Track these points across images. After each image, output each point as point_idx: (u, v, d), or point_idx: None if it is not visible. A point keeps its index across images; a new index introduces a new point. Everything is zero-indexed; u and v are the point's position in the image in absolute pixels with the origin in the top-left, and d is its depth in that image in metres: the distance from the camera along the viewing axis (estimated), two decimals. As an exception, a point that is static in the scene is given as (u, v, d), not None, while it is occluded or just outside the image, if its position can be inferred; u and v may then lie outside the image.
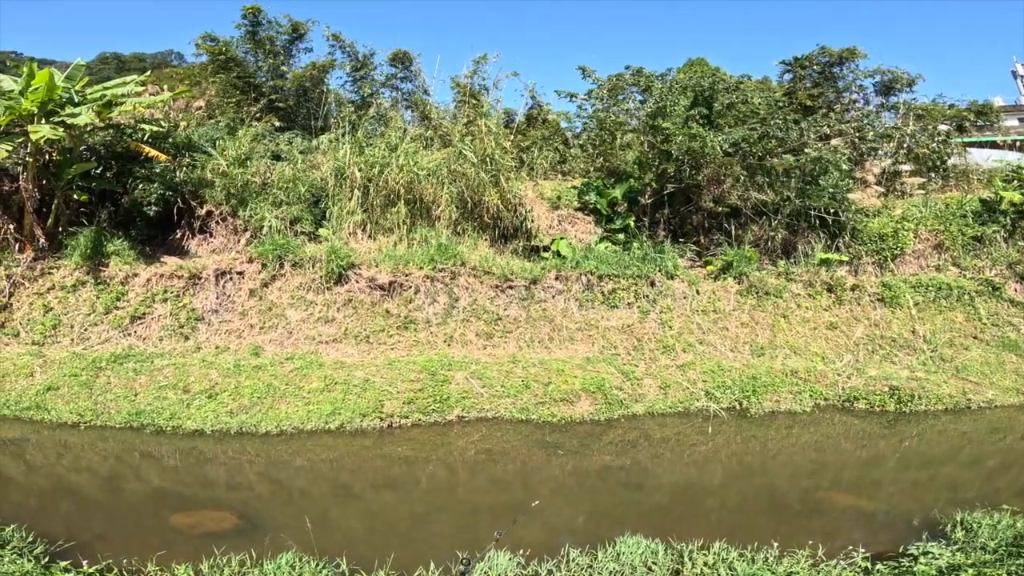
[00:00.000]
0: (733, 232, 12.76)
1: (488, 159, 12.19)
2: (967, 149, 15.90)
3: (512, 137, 14.12)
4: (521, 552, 4.65)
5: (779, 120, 12.24)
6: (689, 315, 11.28)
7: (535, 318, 10.96)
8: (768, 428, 8.78)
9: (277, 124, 13.96)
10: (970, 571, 2.92)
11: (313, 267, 10.78)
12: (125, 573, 4.61)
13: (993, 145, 18.18)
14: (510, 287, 11.18)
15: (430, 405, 8.81)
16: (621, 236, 12.60)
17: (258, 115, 13.98)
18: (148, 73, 13.65)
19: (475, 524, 5.85)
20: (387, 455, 7.73)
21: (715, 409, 9.17)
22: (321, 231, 11.70)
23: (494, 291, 11.12)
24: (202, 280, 10.74)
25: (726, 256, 12.08)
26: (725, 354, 10.67)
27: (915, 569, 3.53)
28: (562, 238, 12.45)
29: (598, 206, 13.11)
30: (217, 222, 11.91)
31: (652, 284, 11.52)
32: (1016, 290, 11.99)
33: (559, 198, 13.49)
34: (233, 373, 9.30)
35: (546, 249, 12.30)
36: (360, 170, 11.84)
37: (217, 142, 12.41)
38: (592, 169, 14.46)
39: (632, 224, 12.80)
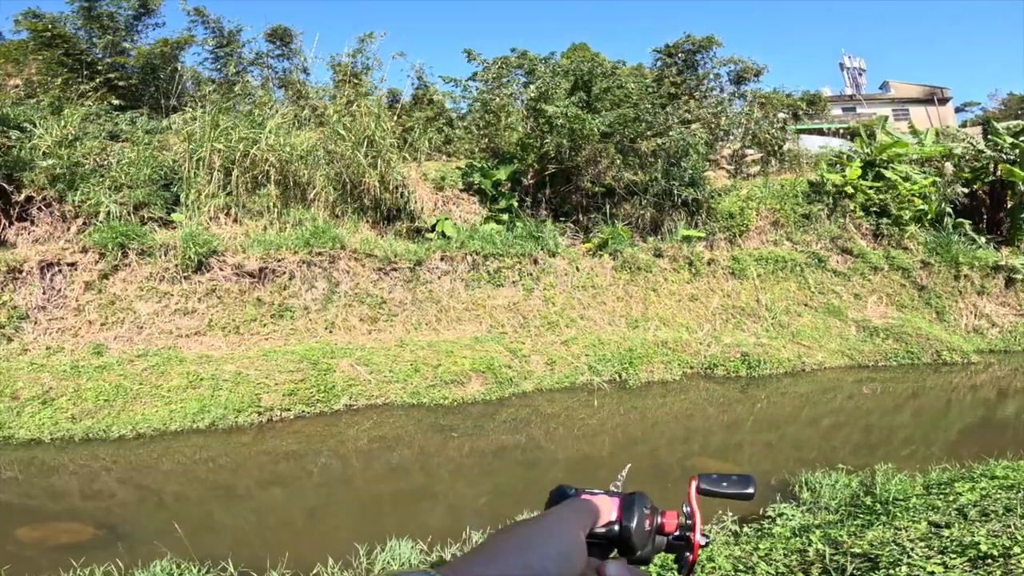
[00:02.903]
0: (608, 211, 13.46)
1: (367, 140, 11.65)
2: (799, 135, 18.12)
3: (397, 118, 13.66)
4: (423, 539, 4.60)
5: (648, 105, 13.03)
6: (570, 291, 11.76)
7: (421, 300, 10.77)
8: (645, 398, 9.46)
9: (116, 103, 12.33)
10: (817, 532, 3.20)
11: (166, 255, 9.60)
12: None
13: (820, 132, 20.91)
14: (394, 269, 10.85)
15: (314, 395, 8.36)
16: (505, 216, 12.74)
17: (91, 93, 12.25)
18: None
19: (374, 514, 5.68)
20: (271, 450, 7.23)
21: (598, 382, 9.71)
22: (174, 216, 10.44)
23: (377, 274, 10.72)
24: (24, 274, 9.12)
25: (602, 234, 12.72)
26: (604, 328, 11.31)
27: (773, 531, 3.81)
28: (447, 219, 12.29)
29: (482, 187, 13.11)
30: (40, 208, 10.13)
31: (535, 262, 11.82)
32: (837, 261, 14.00)
33: (443, 179, 13.28)
34: (71, 375, 8.12)
35: (431, 230, 12.08)
36: (219, 151, 10.71)
37: (39, 122, 10.56)
38: (477, 150, 14.43)
39: (515, 204, 12.99)
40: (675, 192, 13.35)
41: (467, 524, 4.80)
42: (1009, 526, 2.60)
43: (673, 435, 8.16)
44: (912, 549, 2.48)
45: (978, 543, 2.41)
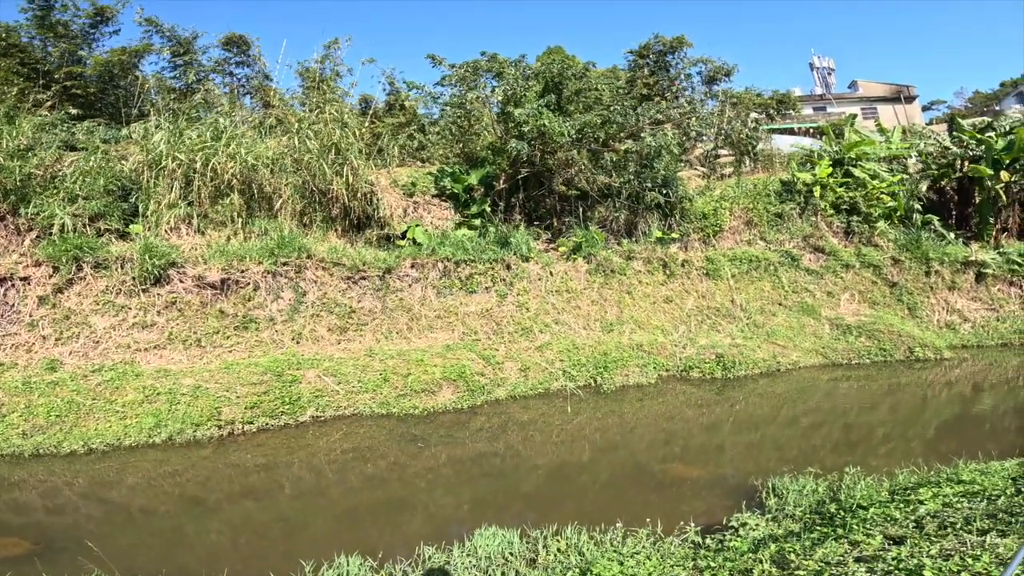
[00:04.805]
0: (582, 214, 13.35)
1: (334, 147, 11.42)
2: (771, 135, 18.21)
3: (368, 124, 13.45)
4: (374, 554, 4.40)
5: (619, 106, 12.95)
6: (544, 296, 11.63)
7: (392, 308, 10.56)
8: (621, 403, 9.30)
9: (74, 112, 12.02)
10: (772, 547, 3.02)
11: (123, 268, 9.30)
12: None
13: (792, 132, 21.07)
14: (363, 278, 10.63)
15: (278, 407, 8.14)
16: (478, 221, 12.57)
17: (49, 103, 11.94)
18: None
19: (331, 529, 5.46)
20: (231, 464, 7.00)
21: (572, 388, 9.55)
22: (133, 228, 10.13)
23: (346, 283, 10.50)
24: (-27, 289, 8.78)
25: (576, 237, 12.61)
26: (579, 332, 11.18)
27: (731, 544, 3.65)
28: (418, 225, 12.10)
29: (454, 192, 12.93)
30: (-8, 221, 9.80)
31: (508, 267, 11.66)
32: (810, 260, 14.03)
33: (414, 185, 13.09)
34: (22, 391, 7.86)
35: (402, 237, 11.88)
36: (179, 160, 10.41)
37: None
38: (451, 155, 14.25)
39: (488, 209, 12.82)
40: (648, 193, 13.28)
41: (420, 540, 4.60)
42: (964, 544, 2.50)
43: (652, 441, 7.98)
44: (854, 573, 2.36)
45: (922, 567, 2.30)
